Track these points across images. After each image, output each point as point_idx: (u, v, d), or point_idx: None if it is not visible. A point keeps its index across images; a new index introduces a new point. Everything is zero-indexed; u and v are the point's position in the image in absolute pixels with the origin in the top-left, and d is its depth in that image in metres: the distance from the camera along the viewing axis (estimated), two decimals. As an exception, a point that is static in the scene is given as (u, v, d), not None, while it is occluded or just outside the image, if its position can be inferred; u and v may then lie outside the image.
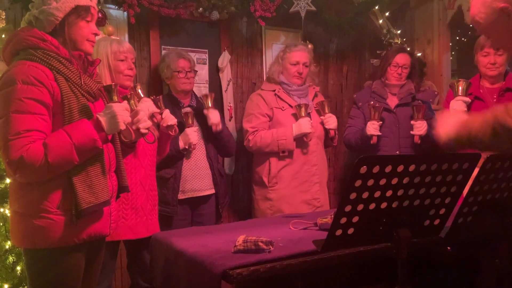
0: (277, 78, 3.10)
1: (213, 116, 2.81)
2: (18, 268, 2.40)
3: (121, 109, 1.68)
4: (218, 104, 3.32)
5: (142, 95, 2.41)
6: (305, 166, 3.01)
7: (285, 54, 3.09)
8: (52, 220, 1.65)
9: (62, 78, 1.66)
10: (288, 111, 3.02)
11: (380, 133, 3.00)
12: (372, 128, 2.98)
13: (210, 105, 2.83)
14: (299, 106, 2.95)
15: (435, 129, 1.72)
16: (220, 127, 2.84)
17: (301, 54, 3.06)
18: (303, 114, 2.93)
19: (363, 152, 3.11)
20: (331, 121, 3.02)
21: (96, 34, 1.79)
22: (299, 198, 2.99)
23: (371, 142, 2.99)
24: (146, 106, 2.36)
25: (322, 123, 3.06)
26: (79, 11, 1.71)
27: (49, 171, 1.60)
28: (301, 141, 2.98)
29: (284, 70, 3.09)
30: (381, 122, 3.00)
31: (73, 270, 1.73)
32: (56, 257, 1.68)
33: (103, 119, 1.66)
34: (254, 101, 3.10)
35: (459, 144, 1.63)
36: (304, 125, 2.90)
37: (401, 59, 3.14)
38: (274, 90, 3.07)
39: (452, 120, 1.66)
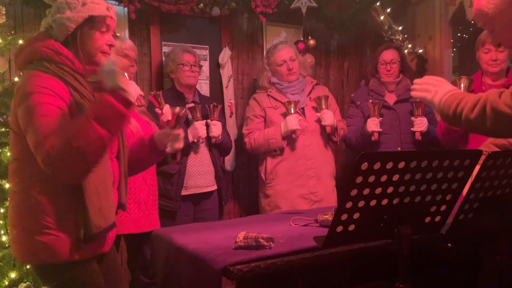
0: (268, 84, 3.11)
1: (215, 129, 2.84)
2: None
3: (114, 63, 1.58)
4: (219, 101, 3.31)
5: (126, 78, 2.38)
6: (300, 161, 3.00)
7: (269, 60, 3.11)
8: (56, 236, 1.58)
9: (76, 93, 1.61)
10: (281, 109, 3.02)
11: (381, 130, 2.99)
12: (373, 124, 2.97)
13: (215, 116, 2.85)
14: (288, 103, 2.93)
15: (415, 89, 1.67)
16: (220, 139, 2.88)
17: (285, 52, 3.05)
18: (292, 111, 2.91)
19: (364, 149, 3.11)
20: (326, 117, 2.98)
21: (111, 45, 1.71)
22: (295, 193, 2.98)
23: (372, 138, 2.99)
24: (133, 88, 2.34)
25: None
26: (94, 22, 1.64)
27: (83, 158, 1.47)
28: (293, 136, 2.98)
29: (275, 73, 3.09)
30: (381, 118, 3.00)
31: (93, 277, 1.68)
32: (72, 269, 1.63)
33: (105, 83, 1.55)
34: (250, 105, 3.14)
35: (441, 111, 1.58)
36: (291, 122, 2.88)
37: (387, 55, 3.15)
38: (267, 91, 3.09)
39: (442, 84, 1.61)
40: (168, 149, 1.86)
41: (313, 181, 3.01)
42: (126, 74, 2.34)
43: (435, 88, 1.61)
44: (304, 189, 3.00)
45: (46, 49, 1.61)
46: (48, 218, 1.59)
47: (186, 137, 2.74)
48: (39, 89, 1.53)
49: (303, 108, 3.07)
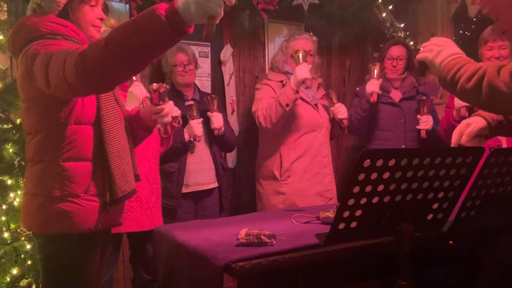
0: (282, 67, 3.03)
1: (216, 121, 2.78)
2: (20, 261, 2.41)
3: None
4: (221, 98, 3.31)
5: (134, 79, 2.39)
6: (316, 158, 2.97)
7: (289, 43, 3.04)
8: (80, 205, 1.60)
9: None
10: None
11: (380, 92, 2.95)
12: (373, 85, 2.93)
13: (214, 108, 2.81)
14: (296, 51, 2.81)
15: (421, 51, 1.59)
16: (222, 130, 2.82)
17: (305, 42, 3.00)
18: (301, 61, 2.77)
19: (366, 145, 3.11)
20: (342, 111, 2.92)
21: (101, 19, 1.73)
22: (312, 191, 2.95)
23: (371, 100, 2.94)
24: (139, 90, 2.34)
25: (332, 113, 2.98)
26: None
27: (110, 52, 1.34)
28: (312, 133, 2.94)
29: (289, 59, 3.01)
30: (381, 80, 2.96)
31: (93, 258, 1.70)
32: (78, 243, 1.64)
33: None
34: (262, 89, 3.02)
35: (440, 74, 1.52)
36: (301, 70, 2.74)
37: (395, 51, 3.12)
38: (282, 81, 2.99)
39: (447, 46, 1.54)
40: (158, 125, 1.89)
41: (328, 178, 3.02)
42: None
43: (439, 49, 1.54)
44: (321, 187, 2.98)
45: (50, 23, 1.61)
46: (74, 186, 1.60)
47: (182, 135, 2.74)
48: (52, 42, 1.53)
49: (316, 104, 3.04)
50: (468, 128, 1.71)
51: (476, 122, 1.71)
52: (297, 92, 2.78)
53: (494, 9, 1.54)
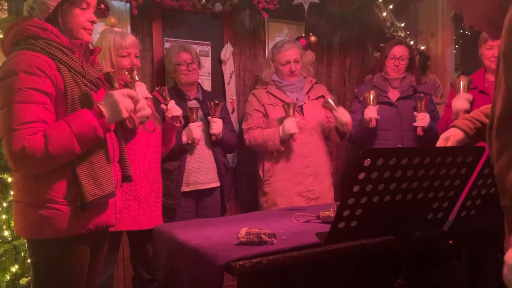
0: (270, 80, 3.11)
1: (216, 127, 2.82)
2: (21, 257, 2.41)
3: (122, 97, 1.64)
4: (221, 98, 3.31)
5: (136, 78, 2.40)
6: (298, 159, 3.00)
7: (274, 56, 3.09)
8: (59, 210, 1.63)
9: (64, 67, 1.64)
10: (279, 107, 2.98)
11: (378, 116, 2.96)
12: (370, 111, 2.95)
13: (216, 114, 2.84)
14: (287, 105, 2.89)
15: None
16: (220, 137, 2.85)
17: (290, 53, 3.04)
18: (290, 113, 2.87)
19: (364, 143, 3.11)
20: (346, 116, 2.89)
21: (93, 22, 1.74)
22: (292, 190, 2.99)
23: (370, 125, 2.95)
24: (140, 90, 2.34)
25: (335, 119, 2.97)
26: None
27: (50, 162, 1.57)
28: (294, 134, 2.96)
29: (277, 71, 3.10)
30: (377, 107, 2.98)
31: (79, 261, 1.73)
32: (62, 247, 1.67)
33: (104, 109, 1.62)
34: (249, 101, 3.15)
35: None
36: (288, 126, 2.84)
37: (398, 51, 3.13)
38: (266, 88, 3.09)
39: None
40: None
41: (310, 179, 3.02)
42: (135, 72, 2.37)
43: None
44: (301, 187, 3.00)
45: (31, 27, 1.64)
46: (52, 192, 1.63)
47: (180, 137, 2.74)
48: (25, 67, 1.57)
49: (301, 106, 3.07)
50: (448, 143, 1.69)
51: (454, 135, 1.69)
52: (283, 142, 2.90)
53: (458, 4, 1.46)
